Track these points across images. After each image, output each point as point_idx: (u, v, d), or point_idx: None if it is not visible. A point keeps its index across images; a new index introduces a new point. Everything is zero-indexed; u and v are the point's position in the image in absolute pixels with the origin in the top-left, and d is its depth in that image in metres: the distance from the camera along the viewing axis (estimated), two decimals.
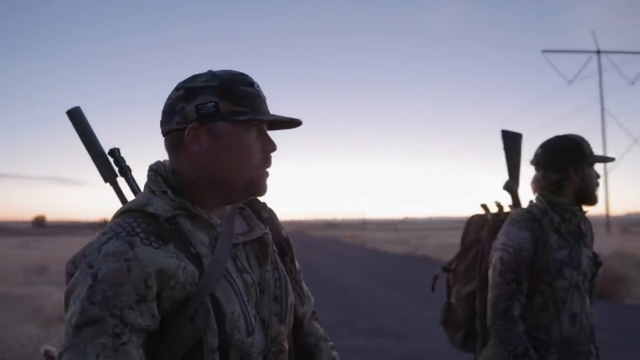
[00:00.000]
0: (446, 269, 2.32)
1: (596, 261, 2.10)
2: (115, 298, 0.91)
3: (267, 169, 1.11)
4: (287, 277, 1.18)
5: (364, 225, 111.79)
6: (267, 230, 1.16)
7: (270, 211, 1.29)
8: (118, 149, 1.24)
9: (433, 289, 2.35)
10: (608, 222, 35.79)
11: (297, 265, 1.30)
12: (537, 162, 2.08)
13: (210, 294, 0.99)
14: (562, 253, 1.97)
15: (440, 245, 24.47)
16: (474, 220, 2.28)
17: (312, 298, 1.34)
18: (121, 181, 1.26)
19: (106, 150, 1.26)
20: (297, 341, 1.28)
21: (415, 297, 10.14)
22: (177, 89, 1.08)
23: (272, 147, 1.11)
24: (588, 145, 2.05)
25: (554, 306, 1.95)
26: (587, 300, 2.03)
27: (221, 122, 1.05)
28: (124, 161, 1.24)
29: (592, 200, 2.05)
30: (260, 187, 1.10)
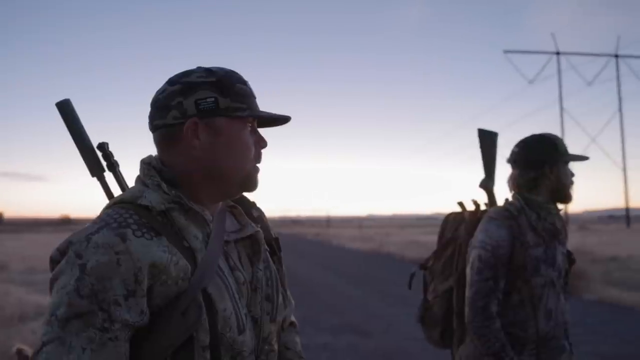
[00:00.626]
0: (423, 266, 2.32)
1: (570, 258, 2.13)
2: (104, 292, 0.89)
3: (258, 164, 1.12)
4: (277, 276, 1.18)
5: (328, 222, 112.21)
6: (259, 229, 1.16)
7: (260, 210, 1.28)
8: (107, 144, 1.22)
9: (410, 286, 2.34)
10: (566, 219, 36.79)
11: (285, 267, 1.28)
12: (513, 160, 2.11)
13: (202, 290, 0.97)
14: (538, 250, 1.99)
15: (405, 243, 24.75)
16: (451, 218, 2.29)
17: (293, 302, 1.33)
18: (108, 176, 1.24)
19: (94, 145, 1.23)
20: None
21: (380, 294, 10.21)
22: (171, 83, 1.07)
23: (264, 143, 1.12)
24: (563, 144, 2.08)
25: (530, 303, 1.97)
26: (562, 297, 2.05)
27: (220, 118, 1.05)
28: (112, 156, 1.22)
29: (567, 198, 2.09)
30: (253, 183, 1.11)
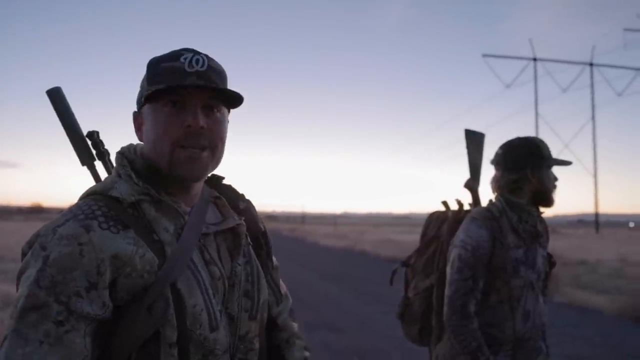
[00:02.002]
0: (405, 263, 2.32)
1: (550, 261, 2.13)
2: (64, 284, 0.87)
3: (190, 148, 1.00)
4: (260, 271, 1.13)
5: (303, 218, 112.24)
6: (241, 221, 1.11)
7: (248, 202, 1.22)
8: (97, 132, 1.20)
9: (391, 282, 2.34)
10: None
11: (275, 261, 1.24)
12: (497, 162, 2.11)
13: (171, 285, 0.94)
14: (518, 252, 2.00)
15: (379, 241, 24.89)
16: (435, 217, 2.29)
17: (290, 298, 1.29)
18: (98, 166, 1.22)
19: (84, 133, 1.22)
20: (270, 340, 1.22)
21: (355, 292, 10.24)
22: None
23: (190, 122, 0.98)
24: (547, 147, 2.08)
25: (509, 304, 1.98)
26: (540, 299, 2.06)
27: (145, 106, 1.03)
28: (102, 145, 1.20)
29: (549, 202, 2.09)
30: (180, 168, 1.00)
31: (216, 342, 0.98)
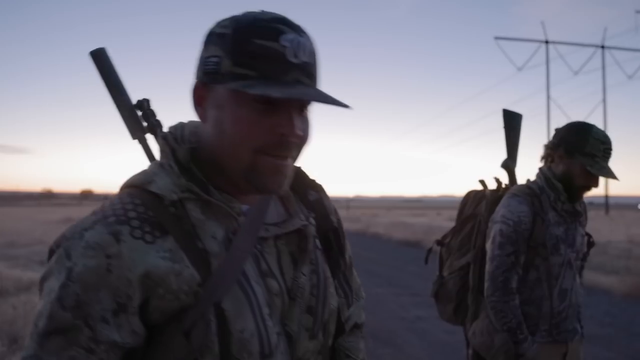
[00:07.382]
0: (440, 242, 2.32)
1: (589, 241, 2.13)
2: (89, 305, 0.73)
3: (277, 159, 0.80)
4: (329, 281, 0.95)
5: None
6: (309, 222, 0.91)
7: (321, 190, 1.01)
8: (147, 101, 1.04)
9: (426, 262, 2.36)
10: None
11: (348, 258, 1.06)
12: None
13: (215, 305, 0.78)
14: (559, 229, 1.99)
15: (391, 224, 24.88)
16: (471, 196, 2.29)
17: (364, 296, 1.12)
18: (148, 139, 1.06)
19: (134, 102, 1.06)
20: (332, 350, 1.01)
21: (367, 274, 10.26)
22: None
23: (285, 130, 0.79)
24: (596, 145, 1.94)
25: (547, 281, 1.97)
26: (578, 278, 2.06)
27: (222, 85, 0.79)
28: (153, 115, 1.03)
29: (572, 195, 2.02)
30: (264, 181, 0.81)
31: None
